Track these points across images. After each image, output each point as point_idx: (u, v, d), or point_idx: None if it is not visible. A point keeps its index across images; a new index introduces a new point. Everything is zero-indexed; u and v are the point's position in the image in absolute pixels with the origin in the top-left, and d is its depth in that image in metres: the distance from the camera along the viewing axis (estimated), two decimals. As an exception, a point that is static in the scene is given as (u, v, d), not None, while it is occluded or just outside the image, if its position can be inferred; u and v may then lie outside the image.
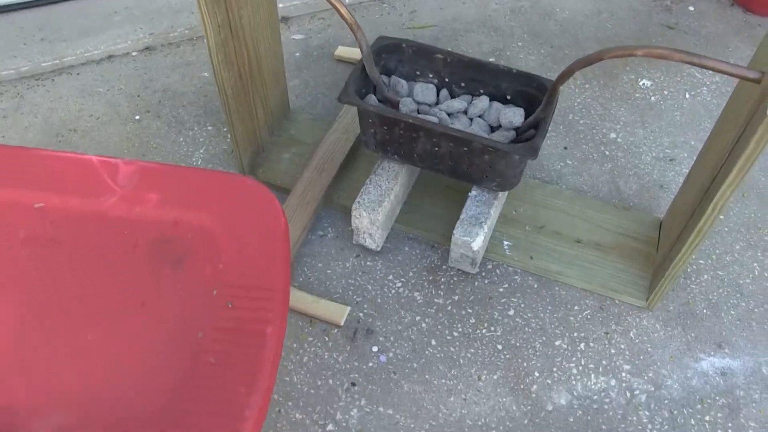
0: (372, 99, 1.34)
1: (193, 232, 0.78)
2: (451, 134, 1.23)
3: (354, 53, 1.83)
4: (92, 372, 0.72)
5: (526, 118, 1.32)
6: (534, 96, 1.32)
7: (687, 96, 1.75)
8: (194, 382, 0.68)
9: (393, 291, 1.38)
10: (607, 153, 1.63)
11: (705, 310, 1.37)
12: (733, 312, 1.37)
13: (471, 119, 1.35)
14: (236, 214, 0.78)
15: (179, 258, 0.78)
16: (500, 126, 1.34)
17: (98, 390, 0.71)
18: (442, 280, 1.40)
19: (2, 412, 0.70)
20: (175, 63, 1.84)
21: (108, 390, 0.71)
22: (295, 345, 1.31)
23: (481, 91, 1.38)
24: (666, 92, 1.76)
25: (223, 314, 0.72)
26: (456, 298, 1.37)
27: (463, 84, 1.38)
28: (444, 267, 1.41)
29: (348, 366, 1.29)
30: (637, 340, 1.33)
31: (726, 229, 1.49)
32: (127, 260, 0.78)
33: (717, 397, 1.27)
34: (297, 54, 1.87)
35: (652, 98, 1.75)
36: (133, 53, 1.87)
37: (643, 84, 1.79)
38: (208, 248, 0.76)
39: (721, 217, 1.49)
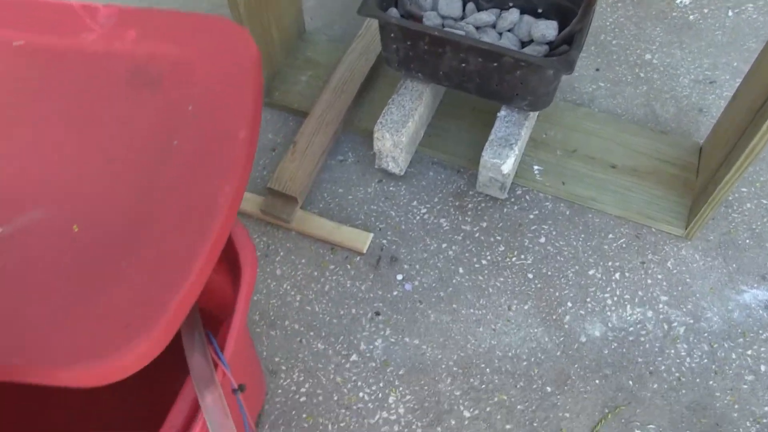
0: (394, 13, 1.26)
1: (169, 62, 0.82)
2: (480, 48, 1.15)
3: (372, -28, 1.72)
4: (70, 173, 0.76)
5: (559, 31, 1.23)
6: (568, 8, 1.23)
7: (730, 14, 1.64)
8: (169, 181, 0.72)
9: (417, 217, 1.32)
10: (642, 75, 1.54)
11: (748, 240, 1.30)
12: (778, 241, 1.30)
13: (500, 33, 1.26)
14: (210, 46, 0.82)
15: (155, 82, 0.81)
16: (532, 41, 1.25)
17: (74, 188, 0.75)
18: (470, 206, 1.33)
19: None
20: (184, -16, 1.75)
21: (83, 187, 0.75)
22: (316, 273, 1.25)
23: (511, 4, 1.29)
24: (706, 10, 1.65)
25: (198, 124, 0.75)
26: (484, 224, 1.31)
27: (491, -4, 1.29)
28: (471, 192, 1.34)
29: (371, 295, 1.23)
30: (675, 271, 1.26)
31: (771, 154, 1.41)
32: (105, 86, 0.82)
33: (760, 331, 1.20)
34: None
35: (691, 17, 1.65)
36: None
37: (681, 2, 1.68)
38: (183, 74, 0.80)
39: None
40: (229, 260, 0.80)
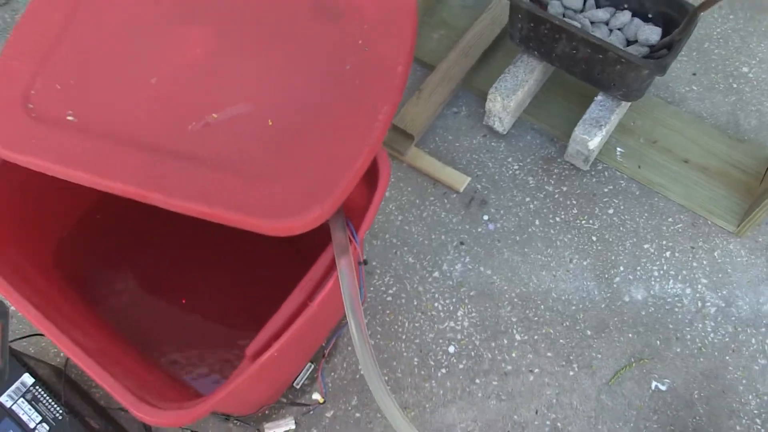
0: (525, -3, 1.47)
1: (346, 2, 1.04)
2: (591, 41, 1.35)
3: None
4: (265, 81, 0.99)
5: (662, 38, 1.42)
6: (674, 18, 1.41)
7: (829, 44, 1.78)
8: (342, 95, 0.95)
9: (510, 172, 1.56)
10: (735, 86, 1.70)
11: (792, 248, 1.48)
12: (818, 252, 1.47)
13: (611, 30, 1.46)
14: None
15: (334, 17, 1.04)
16: (636, 41, 1.44)
17: (268, 92, 0.98)
18: (555, 170, 1.56)
19: (198, 105, 0.97)
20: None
21: (275, 92, 0.98)
22: (417, 201, 1.52)
23: (625, 6, 1.47)
24: (809, 36, 1.79)
25: (365, 55, 0.98)
26: (564, 188, 1.53)
27: (611, -5, 1.48)
28: (559, 160, 1.57)
29: (460, 227, 1.49)
30: (719, 260, 1.46)
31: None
32: (293, 14, 1.04)
33: (782, 326, 1.40)
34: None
35: (795, 40, 1.78)
36: None
37: (788, 25, 1.81)
38: (357, 14, 1.02)
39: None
40: (367, 171, 1.05)
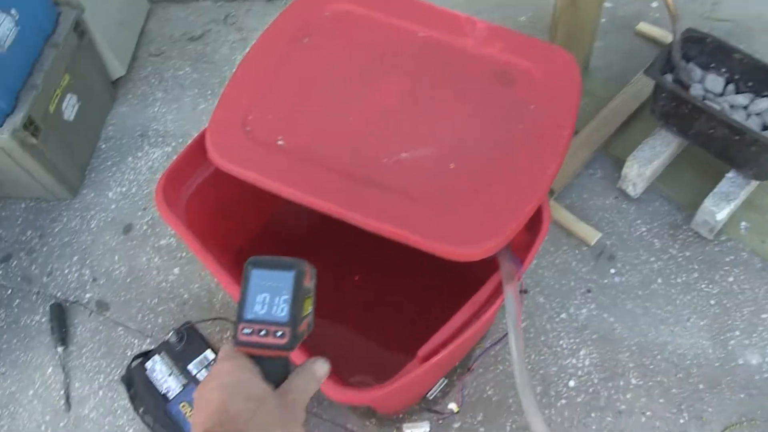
0: (668, 78, 1.63)
1: (521, 70, 1.22)
2: (730, 123, 1.50)
3: (653, 31, 2.09)
4: (449, 131, 1.18)
5: (798, 126, 1.56)
6: (811, 110, 1.55)
7: None
8: (513, 151, 1.13)
9: (637, 233, 1.71)
10: None
11: None
12: None
13: (749, 114, 1.60)
14: (548, 65, 1.23)
15: (510, 82, 1.22)
16: (772, 127, 1.58)
17: (451, 140, 1.17)
18: (680, 236, 1.69)
19: (391, 143, 1.16)
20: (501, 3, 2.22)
21: (457, 141, 1.17)
22: (552, 248, 1.69)
23: (765, 93, 1.61)
24: None
25: (535, 120, 1.16)
26: (687, 253, 1.67)
27: (750, 83, 1.62)
28: (684, 227, 1.70)
29: (588, 277, 1.65)
30: (834, 337, 1.56)
31: None
32: (475, 78, 1.23)
33: None
34: (603, 20, 2.15)
35: None
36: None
37: None
38: (529, 82, 1.21)
39: None
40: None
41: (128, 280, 1.82)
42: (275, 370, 0.67)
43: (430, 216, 1.09)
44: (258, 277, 0.68)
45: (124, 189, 2.01)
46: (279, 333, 0.65)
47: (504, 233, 1.06)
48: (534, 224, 1.18)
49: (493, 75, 1.25)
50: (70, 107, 1.93)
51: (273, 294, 0.67)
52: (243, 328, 0.66)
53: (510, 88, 1.24)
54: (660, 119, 1.67)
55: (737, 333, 1.56)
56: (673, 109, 1.60)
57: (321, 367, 0.71)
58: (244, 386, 0.63)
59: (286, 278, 0.67)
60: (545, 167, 1.13)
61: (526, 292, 1.15)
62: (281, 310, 0.66)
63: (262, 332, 0.65)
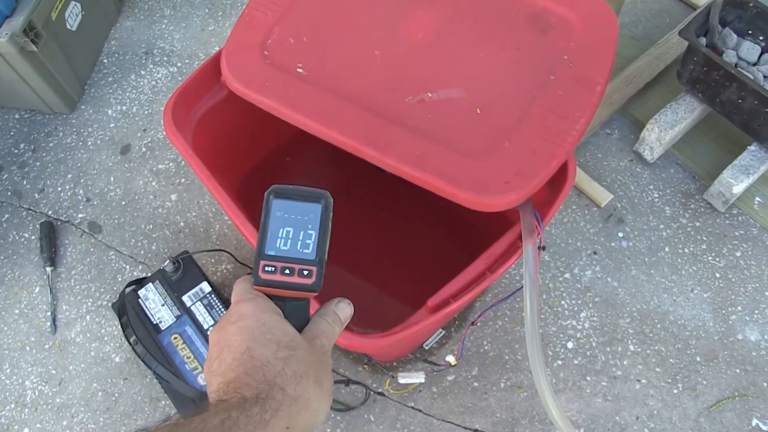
0: (702, 42, 1.57)
1: (558, 17, 1.17)
2: (760, 93, 1.45)
3: (685, -9, 2.02)
4: (478, 73, 1.12)
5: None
6: (843, 87, 1.50)
7: None
8: (544, 100, 1.08)
9: (649, 198, 1.67)
10: None
11: None
12: None
13: (780, 86, 1.55)
14: (587, 14, 1.17)
15: (545, 28, 1.16)
16: (802, 101, 1.53)
17: (479, 84, 1.11)
18: (692, 206, 1.66)
19: (416, 82, 1.11)
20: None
21: (485, 85, 1.11)
22: (561, 206, 1.64)
23: (801, 63, 1.56)
24: None
25: (570, 70, 1.11)
26: (697, 224, 1.64)
27: (785, 54, 1.57)
28: (697, 197, 1.67)
29: (595, 238, 1.62)
30: (835, 320, 1.55)
31: None
32: (510, 20, 1.17)
33: None
34: (633, -25, 2.08)
35: None
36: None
37: None
38: (566, 30, 1.15)
39: None
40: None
41: (123, 202, 1.76)
42: (297, 314, 0.60)
43: (453, 162, 1.04)
44: (281, 208, 0.61)
45: (124, 108, 1.94)
46: (306, 272, 0.59)
47: (528, 186, 1.02)
48: (556, 180, 1.13)
49: (529, 18, 1.19)
50: (73, 16, 1.85)
51: (297, 228, 0.60)
52: (264, 266, 0.59)
53: (545, 36, 1.17)
54: (687, 84, 1.61)
55: (739, 308, 1.55)
56: (703, 74, 1.55)
57: (345, 308, 0.64)
58: (271, 331, 0.56)
59: (314, 210, 0.61)
60: (574, 122, 1.07)
61: (544, 248, 1.11)
62: (307, 246, 0.60)
63: (287, 270, 0.59)
